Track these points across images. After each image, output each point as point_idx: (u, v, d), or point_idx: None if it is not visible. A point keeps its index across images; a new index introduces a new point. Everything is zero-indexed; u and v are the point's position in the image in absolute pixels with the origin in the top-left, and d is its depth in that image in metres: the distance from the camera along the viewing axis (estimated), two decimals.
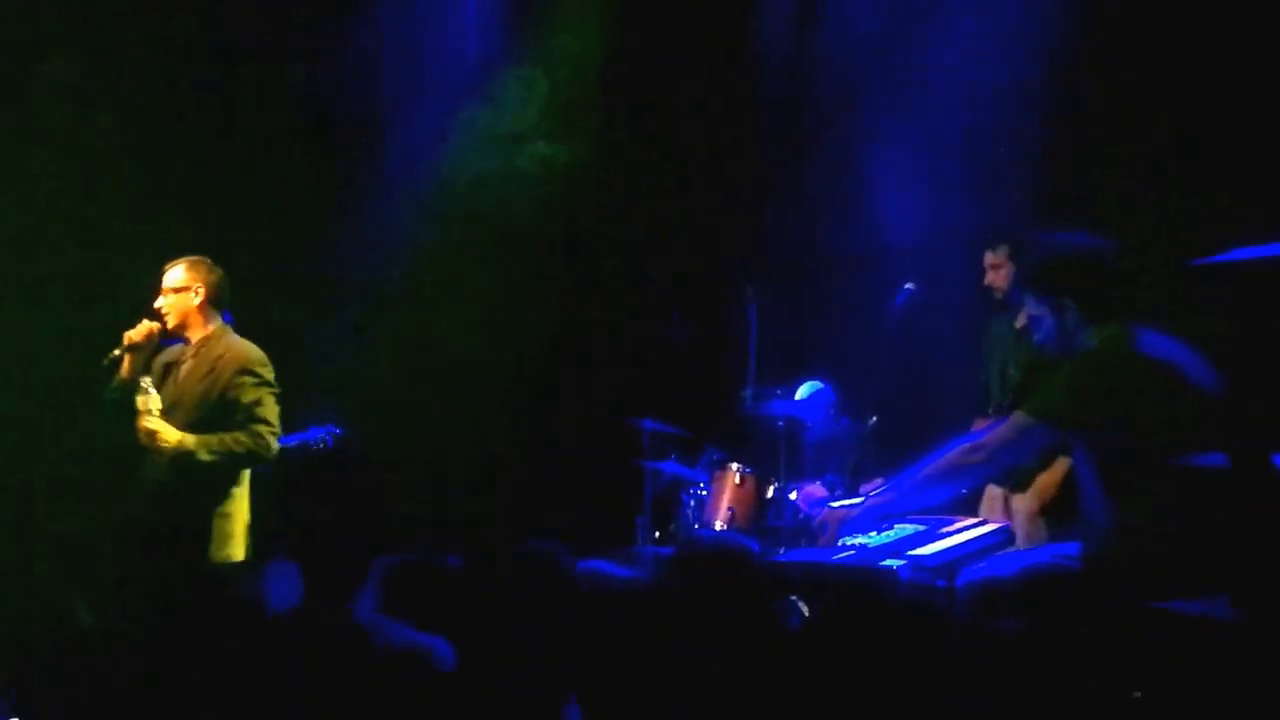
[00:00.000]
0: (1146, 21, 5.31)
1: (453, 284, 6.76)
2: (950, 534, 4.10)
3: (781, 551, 5.39)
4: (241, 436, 4.31)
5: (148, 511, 4.35)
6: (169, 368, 4.49)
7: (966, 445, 3.55)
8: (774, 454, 6.17)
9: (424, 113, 6.57)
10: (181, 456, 4.23)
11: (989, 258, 5.00)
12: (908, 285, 5.29)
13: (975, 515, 4.74)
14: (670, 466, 6.58)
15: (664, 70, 7.08)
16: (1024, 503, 4.77)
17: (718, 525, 6.10)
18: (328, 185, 6.41)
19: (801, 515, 5.90)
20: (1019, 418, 3.43)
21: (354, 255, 6.35)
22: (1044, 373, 4.68)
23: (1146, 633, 3.13)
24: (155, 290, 4.46)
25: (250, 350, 4.47)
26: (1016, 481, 4.80)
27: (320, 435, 5.51)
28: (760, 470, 6.19)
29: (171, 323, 4.44)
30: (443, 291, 6.70)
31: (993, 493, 4.91)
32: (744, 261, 6.73)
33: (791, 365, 6.35)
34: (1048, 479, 4.74)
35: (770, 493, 6.17)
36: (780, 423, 6.16)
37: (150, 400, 4.28)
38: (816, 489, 6.06)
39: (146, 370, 4.41)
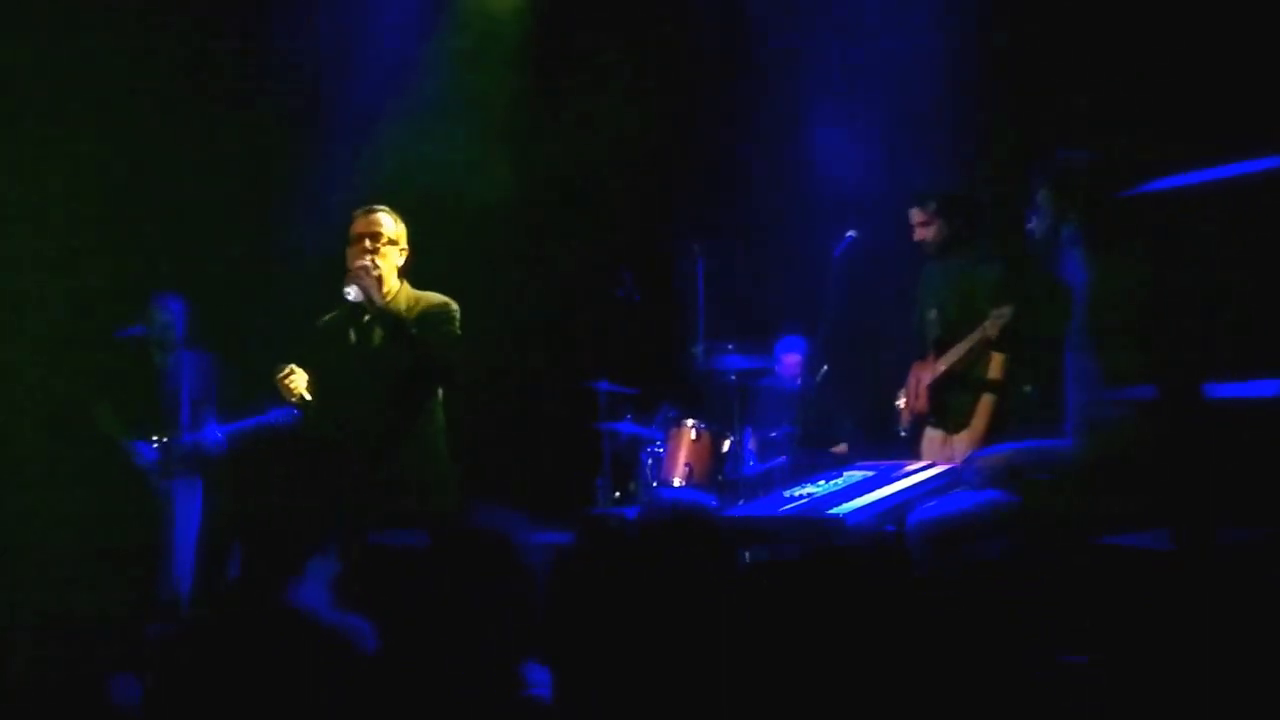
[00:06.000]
0: None
1: None
2: (899, 478, 4.17)
3: (740, 504, 5.45)
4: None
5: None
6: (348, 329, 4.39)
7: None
8: (728, 408, 6.21)
9: (363, 90, 6.52)
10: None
11: (917, 215, 5.04)
12: (850, 233, 5.34)
13: (917, 458, 4.83)
14: (626, 426, 6.62)
15: (601, 27, 7.05)
16: (960, 443, 4.84)
17: (676, 481, 6.14)
18: (272, 168, 6.38)
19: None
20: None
21: (300, 235, 6.31)
22: (977, 314, 4.79)
23: (1088, 567, 3.20)
24: (352, 236, 4.35)
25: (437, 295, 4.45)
26: (954, 422, 4.88)
27: (281, 415, 5.56)
28: (715, 425, 6.23)
29: (376, 274, 4.29)
30: None
31: (932, 434, 4.98)
32: (690, 218, 6.74)
33: (741, 320, 6.37)
34: (979, 419, 4.82)
35: (726, 447, 6.22)
36: (733, 377, 6.20)
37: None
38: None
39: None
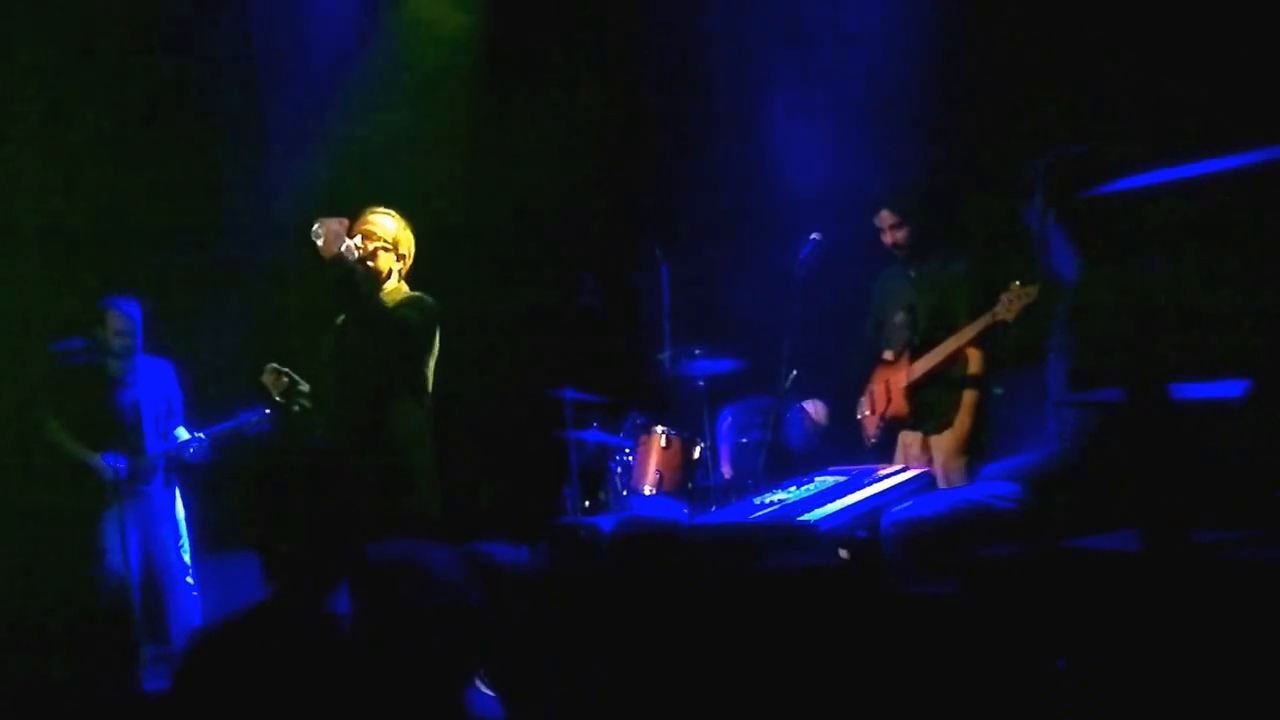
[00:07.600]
0: None
1: None
2: (872, 483, 4.12)
3: (712, 510, 5.39)
4: None
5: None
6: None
7: None
8: (697, 415, 6.14)
9: (306, 90, 6.45)
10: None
11: (887, 217, 4.97)
12: (813, 236, 5.30)
13: (891, 461, 4.78)
14: (594, 435, 6.54)
15: (556, 35, 7.00)
16: (943, 443, 4.80)
17: (646, 489, 6.07)
18: (219, 167, 6.30)
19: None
20: None
21: (257, 239, 6.23)
22: (949, 318, 4.75)
23: (1059, 570, 3.16)
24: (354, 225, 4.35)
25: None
26: (933, 424, 4.83)
27: (253, 417, 5.39)
28: (685, 432, 6.16)
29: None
30: None
31: (908, 438, 4.92)
32: (652, 223, 6.69)
33: (706, 324, 6.31)
34: (963, 417, 4.77)
35: (696, 454, 6.15)
36: (701, 383, 6.14)
37: None
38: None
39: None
